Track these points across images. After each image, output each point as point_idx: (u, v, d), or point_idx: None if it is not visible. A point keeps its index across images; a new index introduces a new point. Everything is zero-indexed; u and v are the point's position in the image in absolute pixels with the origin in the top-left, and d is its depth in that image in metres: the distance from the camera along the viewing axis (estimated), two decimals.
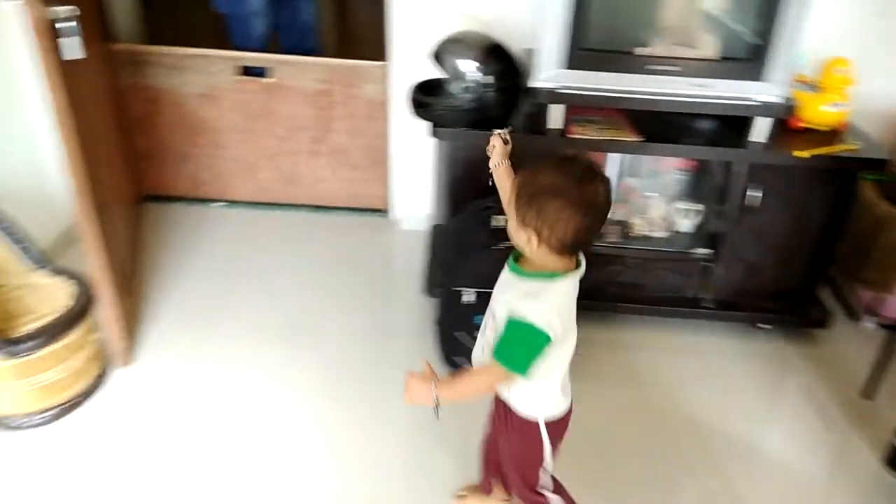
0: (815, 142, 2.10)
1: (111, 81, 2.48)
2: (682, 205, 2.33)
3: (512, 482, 1.55)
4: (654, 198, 2.35)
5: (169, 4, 3.96)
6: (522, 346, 1.24)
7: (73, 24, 1.61)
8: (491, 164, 1.48)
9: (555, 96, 1.99)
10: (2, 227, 1.93)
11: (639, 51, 1.98)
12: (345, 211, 2.93)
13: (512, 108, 2.08)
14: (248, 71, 2.64)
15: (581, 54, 1.93)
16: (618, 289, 2.34)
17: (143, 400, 2.01)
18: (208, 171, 2.84)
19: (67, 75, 1.65)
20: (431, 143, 2.37)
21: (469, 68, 2.02)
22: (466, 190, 2.16)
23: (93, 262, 1.87)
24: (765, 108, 1.99)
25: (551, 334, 1.22)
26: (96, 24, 2.18)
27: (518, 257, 1.32)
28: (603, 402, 2.11)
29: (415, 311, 2.39)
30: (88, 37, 1.72)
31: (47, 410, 1.90)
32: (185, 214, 2.84)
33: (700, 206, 2.32)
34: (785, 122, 2.13)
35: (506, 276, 1.34)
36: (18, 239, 1.94)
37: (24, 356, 1.76)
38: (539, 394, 1.38)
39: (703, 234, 2.31)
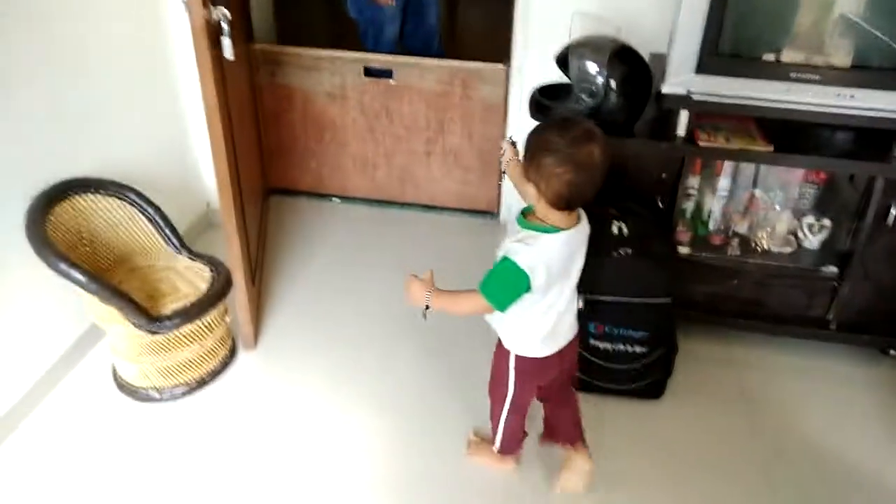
0: None
1: (250, 80, 2.57)
2: (809, 219, 2.18)
3: (491, 403, 1.70)
4: (779, 211, 2.21)
5: (296, 3, 4.08)
6: (503, 282, 1.37)
7: (226, 27, 1.67)
8: (503, 164, 1.67)
9: (685, 102, 1.89)
10: (148, 212, 2.04)
11: (777, 57, 1.85)
12: (454, 211, 2.92)
13: (637, 114, 2.00)
14: (371, 71, 2.68)
15: (715, 59, 1.83)
16: (735, 304, 2.21)
17: (263, 384, 2.08)
18: (329, 168, 2.90)
19: (218, 74, 1.71)
20: None
21: (595, 71, 1.96)
22: None
23: (230, 250, 1.94)
24: None
25: (532, 278, 1.33)
26: (242, 26, 2.27)
27: (526, 213, 1.43)
28: (715, 421, 2.01)
29: None
30: (235, 38, 1.78)
31: (178, 386, 1.99)
32: (305, 208, 2.92)
33: (828, 222, 2.16)
34: None
35: (513, 227, 1.45)
36: (164, 224, 2.04)
37: (165, 333, 1.84)
38: (517, 331, 1.51)
39: (831, 252, 2.15)
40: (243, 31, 2.34)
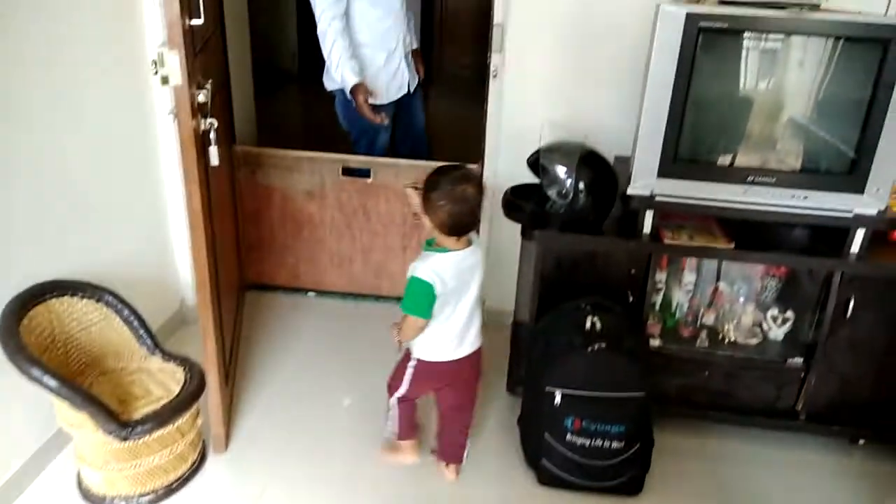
0: None
1: (231, 179, 2.58)
2: (773, 311, 2.22)
3: (388, 397, 1.97)
4: (743, 303, 2.25)
5: (276, 103, 4.19)
6: (415, 294, 1.68)
7: (213, 135, 1.70)
8: (414, 207, 1.80)
9: (649, 203, 1.96)
10: (123, 314, 1.99)
11: (733, 161, 1.94)
12: None
13: (605, 213, 2.06)
14: (349, 171, 2.72)
15: (675, 165, 1.90)
16: (707, 396, 2.22)
17: (234, 490, 1.98)
18: (307, 263, 2.89)
19: (203, 180, 1.72)
20: (517, 243, 2.35)
21: (564, 175, 2.03)
22: (556, 291, 2.12)
23: (206, 351, 1.89)
24: (863, 221, 1.91)
25: (433, 285, 1.65)
26: (226, 131, 2.30)
27: (431, 243, 1.74)
28: None
29: (498, 409, 2.31)
30: (220, 143, 1.80)
31: (146, 494, 1.89)
32: (280, 303, 2.88)
33: (791, 314, 2.20)
34: (885, 234, 2.03)
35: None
36: (139, 325, 1.99)
37: (136, 439, 1.76)
38: (422, 339, 1.79)
39: (796, 343, 2.18)
40: (227, 136, 2.38)
